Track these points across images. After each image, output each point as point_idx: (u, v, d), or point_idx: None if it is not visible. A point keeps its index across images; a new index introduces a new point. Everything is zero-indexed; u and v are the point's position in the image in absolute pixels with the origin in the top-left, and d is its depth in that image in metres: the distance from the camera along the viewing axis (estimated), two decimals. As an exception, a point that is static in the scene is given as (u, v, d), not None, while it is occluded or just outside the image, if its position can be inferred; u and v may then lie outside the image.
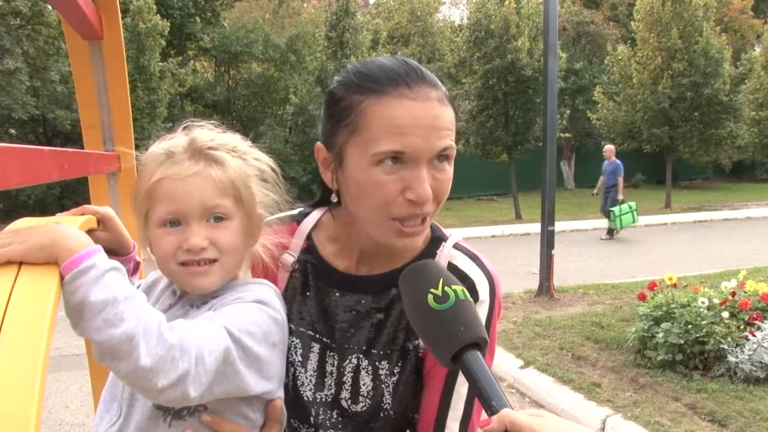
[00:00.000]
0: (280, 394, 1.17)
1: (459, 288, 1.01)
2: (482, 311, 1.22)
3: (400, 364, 1.24)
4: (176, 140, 1.13)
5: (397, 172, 1.10)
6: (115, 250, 1.20)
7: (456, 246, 1.29)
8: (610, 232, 14.47)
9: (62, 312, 0.84)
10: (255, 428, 1.15)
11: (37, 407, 0.63)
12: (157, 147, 1.13)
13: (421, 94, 1.10)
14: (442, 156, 1.13)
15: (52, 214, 1.12)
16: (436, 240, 1.30)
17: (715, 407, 4.56)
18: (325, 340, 1.27)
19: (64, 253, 0.86)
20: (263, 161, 1.19)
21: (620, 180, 14.26)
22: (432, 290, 0.99)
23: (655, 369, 5.29)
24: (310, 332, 1.28)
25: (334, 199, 1.24)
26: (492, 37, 18.10)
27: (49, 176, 1.17)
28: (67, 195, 17.64)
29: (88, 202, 1.51)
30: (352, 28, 19.20)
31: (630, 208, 14.12)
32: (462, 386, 1.20)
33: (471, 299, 1.01)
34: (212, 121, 1.20)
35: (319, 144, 1.22)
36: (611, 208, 14.07)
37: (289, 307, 1.28)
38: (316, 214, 1.36)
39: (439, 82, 1.16)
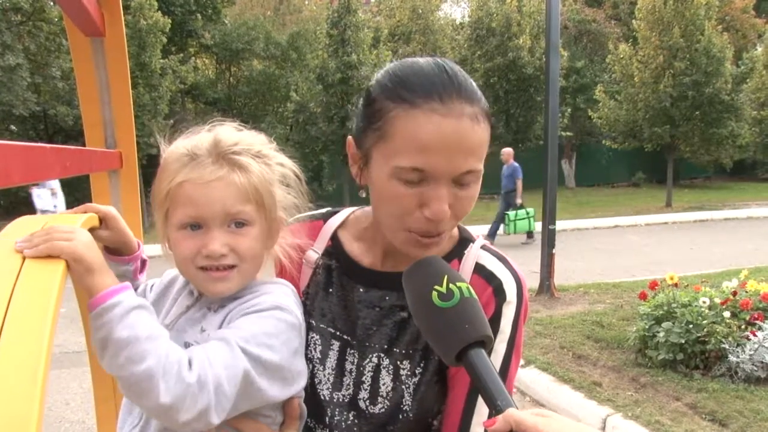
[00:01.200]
0: (300, 392, 1.17)
1: (464, 285, 0.99)
2: (509, 311, 1.20)
3: (422, 365, 1.22)
4: (200, 140, 1.10)
5: (416, 187, 1.08)
6: (119, 250, 1.19)
7: (483, 247, 1.28)
8: (492, 235, 13.71)
9: (63, 309, 0.84)
10: (275, 425, 1.15)
11: (39, 405, 0.62)
12: (180, 146, 1.11)
13: (453, 109, 1.06)
14: (466, 176, 1.09)
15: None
16: (464, 241, 1.29)
17: (716, 407, 4.56)
18: (345, 337, 1.26)
19: (98, 286, 0.92)
20: (287, 166, 1.18)
21: (519, 183, 13.58)
22: (436, 287, 0.97)
23: (656, 368, 5.28)
24: (331, 329, 1.27)
25: (362, 194, 1.23)
26: (493, 35, 18.13)
27: (51, 174, 1.17)
28: (68, 192, 17.63)
29: (89, 200, 1.51)
30: (354, 26, 19.19)
31: (527, 214, 13.41)
32: None
33: (476, 296, 0.99)
34: (236, 122, 1.17)
35: (350, 138, 1.21)
36: (506, 212, 13.55)
37: (311, 303, 1.29)
38: (342, 214, 1.37)
39: (479, 94, 1.11)
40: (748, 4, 30.10)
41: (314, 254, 1.32)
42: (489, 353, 0.97)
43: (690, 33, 19.40)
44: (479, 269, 1.23)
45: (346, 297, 1.28)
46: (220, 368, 0.97)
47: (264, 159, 1.13)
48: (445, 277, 0.99)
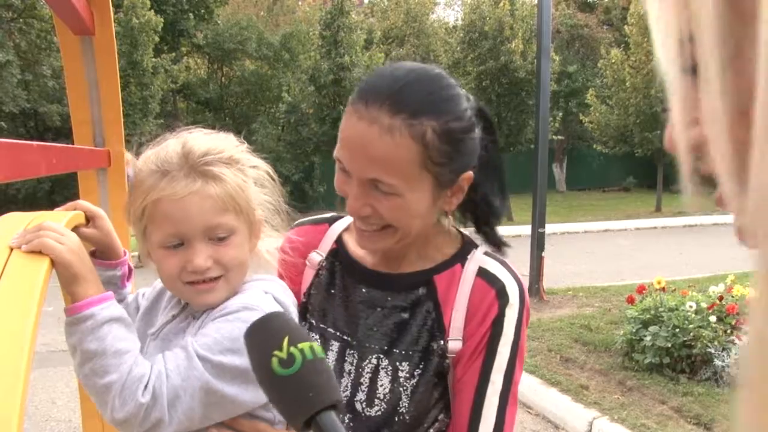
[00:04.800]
0: None
1: (307, 345, 0.88)
2: (512, 314, 1.22)
3: (421, 366, 1.23)
4: (169, 153, 1.08)
5: (346, 179, 1.16)
6: (106, 254, 1.19)
7: (486, 253, 1.31)
8: None
9: (50, 308, 0.85)
10: (279, 423, 1.13)
11: (20, 402, 0.62)
12: (150, 161, 1.09)
13: (370, 115, 1.10)
14: (375, 184, 1.13)
15: (42, 209, 1.11)
16: (468, 246, 1.31)
17: (701, 410, 4.59)
18: (345, 338, 1.27)
19: (78, 294, 0.95)
20: (261, 168, 1.17)
21: None
22: (276, 353, 0.87)
23: (643, 372, 5.32)
24: (331, 329, 1.29)
25: None
26: (486, 38, 18.14)
27: (37, 171, 1.17)
28: (58, 190, 17.53)
29: (79, 198, 1.51)
30: (347, 27, 19.17)
31: None
32: (494, 395, 1.19)
33: (322, 355, 0.90)
34: (201, 127, 1.16)
35: None
36: None
37: (312, 303, 1.31)
38: (349, 218, 1.38)
39: (422, 111, 1.11)
40: (738, 11, 30.28)
41: (317, 256, 1.35)
42: (339, 413, 0.91)
43: (681, 39, 19.49)
44: (482, 272, 1.26)
45: (348, 297, 1.30)
46: (177, 380, 0.98)
47: (237, 164, 1.11)
48: (285, 339, 0.88)
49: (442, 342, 1.22)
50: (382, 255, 1.30)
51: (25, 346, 0.67)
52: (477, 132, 1.20)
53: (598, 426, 4.59)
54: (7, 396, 0.62)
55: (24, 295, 0.75)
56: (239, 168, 1.12)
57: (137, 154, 1.15)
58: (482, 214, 1.34)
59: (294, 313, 1.18)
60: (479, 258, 1.28)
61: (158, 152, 1.10)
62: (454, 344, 1.22)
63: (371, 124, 1.10)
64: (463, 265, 1.27)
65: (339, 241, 1.36)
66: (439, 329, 1.23)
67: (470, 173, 1.21)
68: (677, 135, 0.47)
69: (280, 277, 1.30)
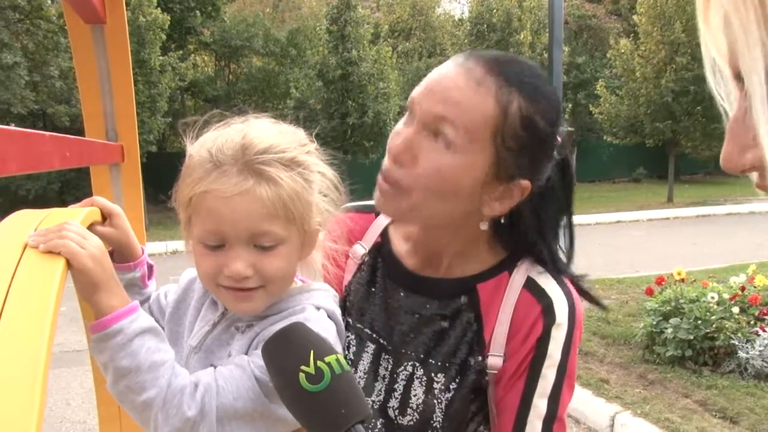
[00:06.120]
0: None
1: (333, 358, 0.85)
2: (559, 335, 1.11)
3: (457, 380, 1.14)
4: (226, 143, 0.97)
5: (403, 130, 1.11)
6: (123, 254, 1.12)
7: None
8: None
9: (64, 308, 0.78)
10: None
11: (39, 406, 0.57)
12: (205, 147, 0.99)
13: (466, 65, 1.07)
14: (436, 129, 1.06)
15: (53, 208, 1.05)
16: (516, 253, 1.20)
17: (726, 404, 4.50)
18: (381, 341, 1.20)
19: (102, 307, 0.88)
20: (327, 176, 1.06)
21: None
22: (303, 368, 0.83)
23: (664, 365, 5.22)
24: (368, 330, 1.21)
25: None
26: (494, 30, 18.10)
27: (50, 164, 1.11)
28: (68, 190, 17.60)
29: (89, 197, 1.44)
30: (354, 22, 19.12)
31: None
32: (536, 420, 1.10)
33: (348, 368, 0.86)
34: (269, 116, 1.06)
35: None
36: None
37: (351, 300, 1.24)
38: None
39: (514, 84, 1.06)
40: (748, -2, 30.04)
41: (361, 249, 1.26)
42: (367, 426, 0.91)
43: (691, 28, 19.32)
44: (530, 284, 1.15)
45: (387, 300, 1.22)
46: (229, 399, 0.92)
47: (298, 167, 0.99)
48: (311, 353, 0.84)
49: (480, 358, 1.14)
50: (424, 256, 1.21)
51: (42, 349, 0.62)
52: (555, 154, 1.13)
53: (621, 420, 4.51)
54: (26, 402, 0.57)
55: (40, 296, 0.69)
56: (300, 172, 0.99)
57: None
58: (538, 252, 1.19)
59: (337, 327, 1.06)
60: (529, 267, 1.17)
61: (216, 138, 0.99)
62: (495, 360, 1.13)
63: (465, 72, 1.06)
64: (510, 273, 1.16)
65: (384, 235, 1.27)
66: (479, 344, 1.14)
67: (528, 183, 1.10)
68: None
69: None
